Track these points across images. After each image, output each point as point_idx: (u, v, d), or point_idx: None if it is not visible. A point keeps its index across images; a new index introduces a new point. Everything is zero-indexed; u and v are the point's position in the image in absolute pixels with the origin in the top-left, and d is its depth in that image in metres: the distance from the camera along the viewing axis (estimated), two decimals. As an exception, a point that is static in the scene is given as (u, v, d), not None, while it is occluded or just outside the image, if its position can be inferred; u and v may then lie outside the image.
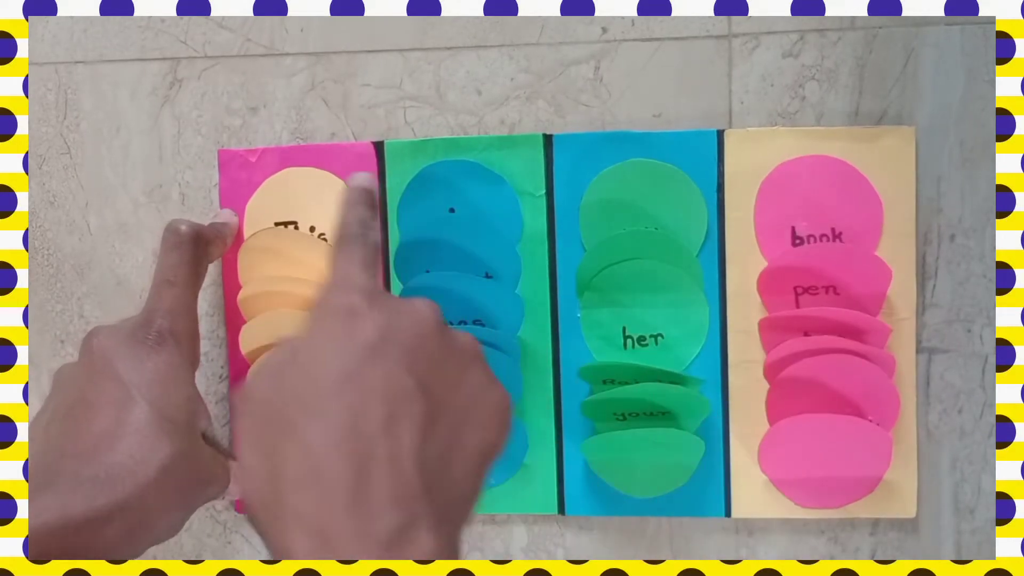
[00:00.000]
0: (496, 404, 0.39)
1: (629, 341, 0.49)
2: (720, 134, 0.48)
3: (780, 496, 0.49)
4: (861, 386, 0.48)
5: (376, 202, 0.43)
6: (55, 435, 0.43)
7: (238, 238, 0.50)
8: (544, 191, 0.49)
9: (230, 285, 0.51)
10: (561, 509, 0.50)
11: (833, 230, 0.48)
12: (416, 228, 0.50)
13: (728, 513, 0.49)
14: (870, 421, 0.48)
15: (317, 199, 0.50)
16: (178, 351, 0.45)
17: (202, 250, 0.47)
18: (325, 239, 0.50)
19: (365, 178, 0.44)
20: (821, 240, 0.48)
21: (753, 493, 0.49)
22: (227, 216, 0.50)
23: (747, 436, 0.49)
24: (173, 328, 0.45)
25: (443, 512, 0.35)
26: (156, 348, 0.44)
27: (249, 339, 0.50)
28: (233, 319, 0.51)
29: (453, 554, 0.35)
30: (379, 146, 0.50)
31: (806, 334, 0.48)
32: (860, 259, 0.47)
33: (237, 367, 0.51)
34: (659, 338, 0.49)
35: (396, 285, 0.50)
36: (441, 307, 0.48)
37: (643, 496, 0.50)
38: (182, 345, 0.45)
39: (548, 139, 0.49)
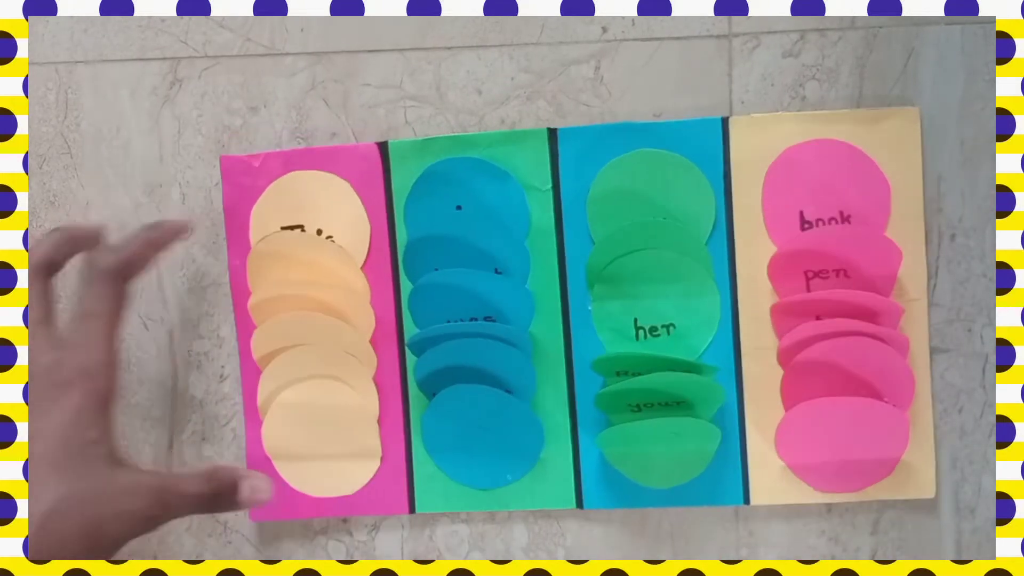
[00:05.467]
0: None
1: (641, 332, 0.49)
2: (725, 121, 0.48)
3: (798, 481, 0.49)
4: (875, 368, 0.47)
5: None
6: None
7: (245, 245, 0.50)
8: (551, 185, 0.49)
9: (239, 292, 0.51)
10: (579, 503, 0.50)
11: (841, 213, 0.48)
12: (423, 226, 0.50)
13: (747, 500, 0.49)
14: (886, 402, 0.48)
15: (323, 202, 0.50)
16: (83, 393, 0.43)
17: (121, 285, 0.46)
18: (333, 241, 0.50)
19: None
20: (830, 223, 0.48)
21: (771, 479, 0.49)
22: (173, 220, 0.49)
23: (763, 422, 0.49)
24: (85, 363, 0.44)
25: None
26: (63, 391, 0.43)
27: (261, 344, 0.50)
28: (244, 325, 0.51)
29: None
30: (383, 146, 0.50)
31: (818, 318, 0.48)
32: (869, 241, 0.47)
33: (249, 373, 0.51)
34: (671, 328, 0.49)
35: (406, 284, 0.50)
36: (451, 304, 0.49)
37: (661, 487, 0.50)
38: (95, 381, 0.44)
39: (552, 133, 0.49)
